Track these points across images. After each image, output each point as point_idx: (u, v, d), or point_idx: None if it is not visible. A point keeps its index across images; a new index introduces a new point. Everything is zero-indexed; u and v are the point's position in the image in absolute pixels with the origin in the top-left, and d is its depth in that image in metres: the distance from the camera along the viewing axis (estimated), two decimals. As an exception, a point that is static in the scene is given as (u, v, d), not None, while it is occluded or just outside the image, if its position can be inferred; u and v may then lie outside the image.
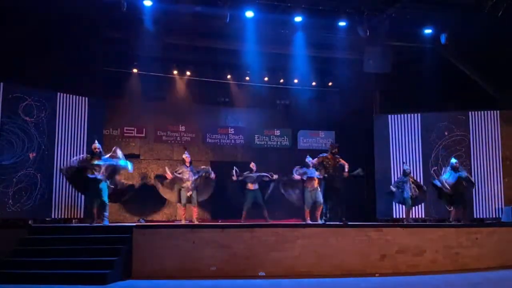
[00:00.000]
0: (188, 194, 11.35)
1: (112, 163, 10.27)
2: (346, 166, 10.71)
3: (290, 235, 9.22)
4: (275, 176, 11.97)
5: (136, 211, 14.39)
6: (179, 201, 11.65)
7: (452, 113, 13.84)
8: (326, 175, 10.57)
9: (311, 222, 11.05)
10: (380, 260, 9.36)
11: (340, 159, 10.73)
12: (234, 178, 11.91)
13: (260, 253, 8.98)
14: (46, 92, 11.54)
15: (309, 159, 11.69)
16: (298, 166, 11.70)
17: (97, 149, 10.29)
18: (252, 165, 12.14)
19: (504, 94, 13.67)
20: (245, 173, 11.98)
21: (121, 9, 11.25)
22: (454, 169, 11.59)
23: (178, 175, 11.45)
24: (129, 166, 10.54)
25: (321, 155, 10.81)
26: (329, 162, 10.57)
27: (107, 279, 7.84)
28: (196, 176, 11.46)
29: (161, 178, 12.06)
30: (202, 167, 11.98)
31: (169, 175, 11.53)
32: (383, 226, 10.11)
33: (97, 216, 10.18)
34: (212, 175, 11.69)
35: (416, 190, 12.04)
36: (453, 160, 11.85)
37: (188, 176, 11.41)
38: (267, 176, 11.94)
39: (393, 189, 12.25)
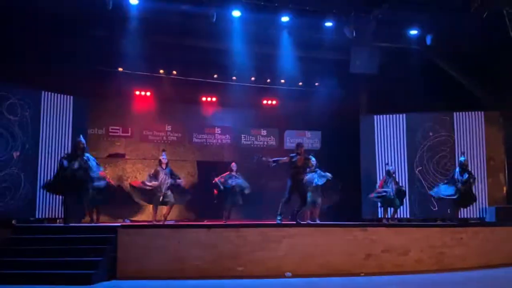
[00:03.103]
0: (160, 196, 11.23)
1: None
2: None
3: (276, 235, 9.22)
4: (247, 191, 11.99)
5: (120, 211, 14.29)
6: (151, 202, 11.53)
7: (437, 113, 13.95)
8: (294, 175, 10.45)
9: (311, 222, 11.08)
10: (366, 260, 9.40)
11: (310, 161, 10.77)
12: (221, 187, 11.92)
13: (246, 252, 8.97)
14: (30, 90, 11.43)
15: (313, 160, 11.69)
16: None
17: (81, 144, 10.08)
18: (233, 165, 12.14)
19: (489, 95, 13.81)
20: (225, 176, 11.95)
21: (107, 7, 11.16)
22: (465, 167, 11.68)
23: (149, 184, 11.29)
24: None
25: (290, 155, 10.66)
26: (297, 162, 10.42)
27: (91, 280, 7.78)
28: (171, 180, 11.35)
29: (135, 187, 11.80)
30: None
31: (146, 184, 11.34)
32: (368, 226, 10.14)
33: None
34: (180, 182, 11.54)
35: (396, 191, 12.17)
36: (463, 158, 11.93)
37: (162, 178, 11.30)
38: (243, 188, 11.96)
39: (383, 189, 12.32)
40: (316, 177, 11.57)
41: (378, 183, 12.85)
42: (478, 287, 8.22)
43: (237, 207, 12.30)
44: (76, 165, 9.80)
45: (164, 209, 11.69)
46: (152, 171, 11.51)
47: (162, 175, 11.28)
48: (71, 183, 9.72)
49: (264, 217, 12.67)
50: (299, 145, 10.66)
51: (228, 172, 12.07)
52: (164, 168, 11.39)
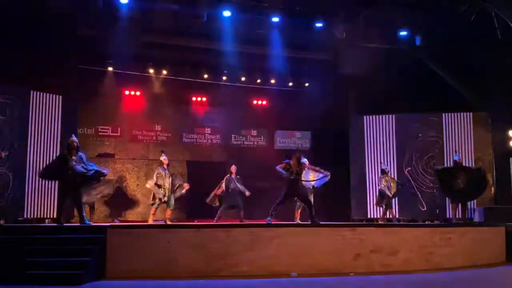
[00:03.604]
0: (165, 198, 11.14)
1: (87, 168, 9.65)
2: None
3: (266, 234, 9.22)
4: (247, 193, 11.98)
5: (110, 211, 14.25)
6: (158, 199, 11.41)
7: (425, 114, 14.04)
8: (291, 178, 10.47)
9: (300, 222, 11.09)
10: (355, 260, 9.42)
11: (305, 167, 10.66)
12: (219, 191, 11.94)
13: (235, 252, 8.96)
14: (18, 90, 11.35)
15: (304, 160, 11.68)
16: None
17: (74, 143, 9.68)
18: (233, 168, 12.10)
19: (477, 96, 13.91)
20: (225, 181, 11.96)
21: (97, 6, 11.12)
22: (460, 165, 11.82)
23: (158, 184, 11.21)
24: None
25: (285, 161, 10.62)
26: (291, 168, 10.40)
27: (80, 280, 7.73)
28: (175, 183, 11.27)
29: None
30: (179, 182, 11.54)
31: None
32: (357, 225, 10.18)
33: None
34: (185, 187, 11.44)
35: (393, 188, 12.25)
36: (456, 157, 12.05)
37: (166, 178, 11.21)
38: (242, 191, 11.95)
39: (384, 189, 12.38)
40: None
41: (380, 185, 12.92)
42: (467, 287, 8.27)
43: (237, 209, 12.22)
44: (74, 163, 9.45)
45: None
46: (155, 175, 11.31)
47: (166, 177, 11.15)
48: (72, 182, 9.47)
49: (254, 218, 12.68)
50: (294, 152, 10.76)
51: (228, 175, 12.05)
52: (166, 168, 11.26)
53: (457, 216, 11.88)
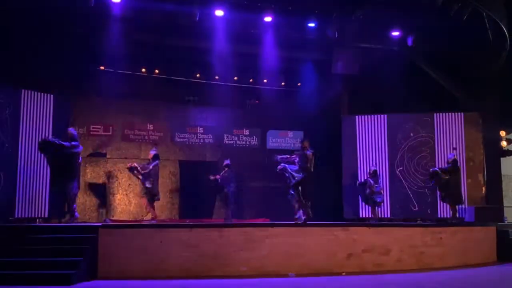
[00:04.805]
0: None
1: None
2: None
3: (258, 234, 9.23)
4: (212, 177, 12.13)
5: (102, 210, 14.20)
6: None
7: (417, 114, 14.08)
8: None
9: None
10: (347, 259, 9.46)
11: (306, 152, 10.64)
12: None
13: (228, 252, 8.97)
14: (10, 89, 11.27)
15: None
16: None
17: (68, 134, 10.08)
18: (225, 161, 12.19)
19: (468, 97, 13.99)
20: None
21: (89, 4, 11.06)
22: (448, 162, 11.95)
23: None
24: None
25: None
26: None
27: (72, 280, 7.71)
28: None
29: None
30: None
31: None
32: (350, 225, 10.20)
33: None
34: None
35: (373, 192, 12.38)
36: (451, 155, 12.18)
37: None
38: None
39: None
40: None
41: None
42: (458, 286, 8.32)
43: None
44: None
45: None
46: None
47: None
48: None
49: (246, 217, 12.69)
50: (302, 141, 10.89)
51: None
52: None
53: (456, 216, 11.98)
